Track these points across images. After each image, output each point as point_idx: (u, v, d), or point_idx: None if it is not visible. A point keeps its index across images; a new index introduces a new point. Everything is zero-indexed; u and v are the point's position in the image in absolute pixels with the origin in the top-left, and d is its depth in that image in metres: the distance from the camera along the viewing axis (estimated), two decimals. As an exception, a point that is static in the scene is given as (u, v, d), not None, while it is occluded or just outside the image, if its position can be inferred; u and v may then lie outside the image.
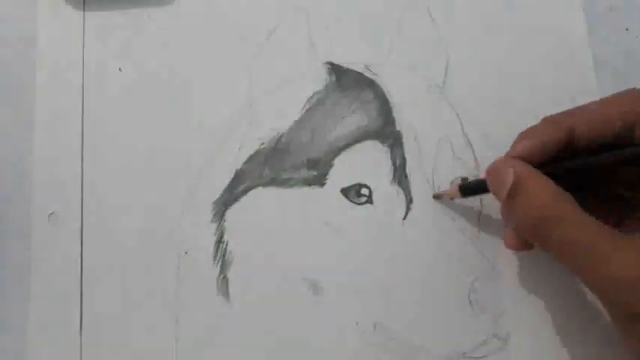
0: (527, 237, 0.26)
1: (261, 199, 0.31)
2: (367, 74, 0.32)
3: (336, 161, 0.31)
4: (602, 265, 0.22)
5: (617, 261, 0.22)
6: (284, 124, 0.32)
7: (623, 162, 0.25)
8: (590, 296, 0.29)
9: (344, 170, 0.31)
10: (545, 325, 0.29)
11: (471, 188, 0.29)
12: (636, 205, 0.27)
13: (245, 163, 0.31)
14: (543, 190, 0.24)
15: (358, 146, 0.31)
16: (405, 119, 0.31)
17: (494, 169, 0.26)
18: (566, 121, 0.25)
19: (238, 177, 0.31)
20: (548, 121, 0.26)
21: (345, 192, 0.31)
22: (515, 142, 0.26)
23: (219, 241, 0.30)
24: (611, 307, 0.24)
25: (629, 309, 0.23)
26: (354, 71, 0.32)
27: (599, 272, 0.23)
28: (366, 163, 0.31)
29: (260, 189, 0.31)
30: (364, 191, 0.31)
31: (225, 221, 0.31)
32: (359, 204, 0.31)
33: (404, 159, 0.31)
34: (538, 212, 0.24)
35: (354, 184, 0.31)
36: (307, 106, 0.32)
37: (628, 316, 0.23)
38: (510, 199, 0.25)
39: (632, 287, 0.22)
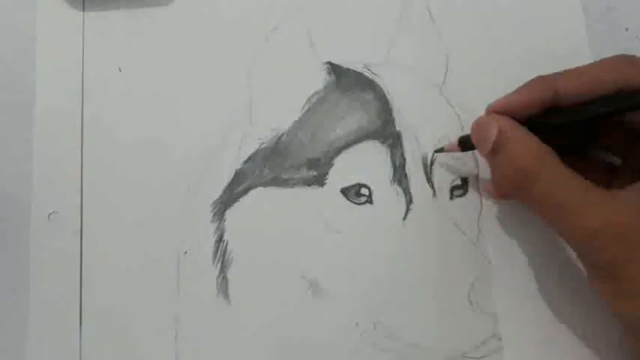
0: (510, 191, 0.27)
1: (261, 199, 0.31)
2: (367, 74, 0.32)
3: (336, 161, 0.31)
4: (579, 216, 0.23)
5: (593, 213, 0.23)
6: (284, 124, 0.32)
7: (607, 114, 0.25)
8: (590, 296, 0.29)
9: (344, 170, 0.31)
10: (545, 325, 0.29)
11: (470, 142, 0.28)
12: (622, 170, 0.27)
13: (245, 163, 0.31)
14: (525, 145, 0.25)
15: (358, 146, 0.31)
16: (404, 119, 0.31)
17: (478, 125, 0.27)
18: (553, 81, 0.26)
19: (238, 177, 0.31)
20: (535, 80, 0.26)
21: (344, 192, 0.31)
22: (501, 98, 0.27)
23: (219, 241, 0.30)
24: (586, 260, 0.25)
25: (603, 260, 0.23)
26: (354, 71, 0.32)
27: (576, 224, 0.23)
28: (366, 163, 0.31)
29: (260, 189, 0.31)
30: (364, 191, 0.31)
31: (225, 221, 0.31)
32: (359, 204, 0.31)
33: (404, 159, 0.31)
34: (519, 166, 0.24)
35: (354, 184, 0.31)
36: (307, 106, 0.32)
37: (603, 268, 0.23)
38: (494, 154, 0.25)
39: (607, 238, 0.22)
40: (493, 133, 0.25)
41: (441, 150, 0.30)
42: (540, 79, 0.26)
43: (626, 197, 0.23)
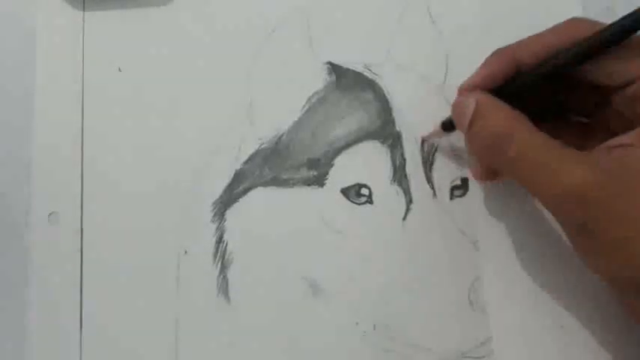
0: (487, 160, 0.28)
1: (261, 199, 0.31)
2: (367, 74, 0.32)
3: (336, 161, 0.31)
4: (552, 176, 0.24)
5: (567, 173, 0.23)
6: (284, 124, 0.32)
7: (561, 67, 0.26)
8: (591, 297, 0.29)
9: (344, 170, 0.31)
10: (544, 324, 0.29)
11: (451, 123, 0.29)
12: (594, 131, 0.28)
13: (245, 163, 0.31)
14: (498, 112, 0.26)
15: (358, 146, 0.31)
16: (405, 119, 0.31)
17: (457, 102, 0.28)
18: (511, 51, 0.27)
19: (238, 177, 0.31)
20: (495, 53, 0.28)
21: (345, 192, 0.31)
22: (467, 78, 0.28)
23: (219, 241, 0.30)
24: (562, 221, 0.25)
25: (577, 219, 0.24)
26: (354, 71, 0.32)
27: (550, 185, 0.24)
28: (366, 163, 0.31)
29: (260, 189, 0.31)
30: (364, 191, 0.31)
31: (225, 221, 0.31)
32: (359, 204, 0.31)
33: (404, 159, 0.31)
34: (494, 132, 0.25)
35: (354, 184, 0.31)
36: (307, 106, 0.32)
37: (578, 227, 0.24)
38: (471, 127, 0.26)
39: (580, 198, 0.23)
40: (472, 107, 0.26)
41: (427, 137, 0.31)
42: (499, 52, 0.27)
43: (595, 156, 0.24)
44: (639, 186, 0.23)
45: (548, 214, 0.29)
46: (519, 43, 0.27)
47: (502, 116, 0.26)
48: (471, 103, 0.26)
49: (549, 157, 0.24)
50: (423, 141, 0.31)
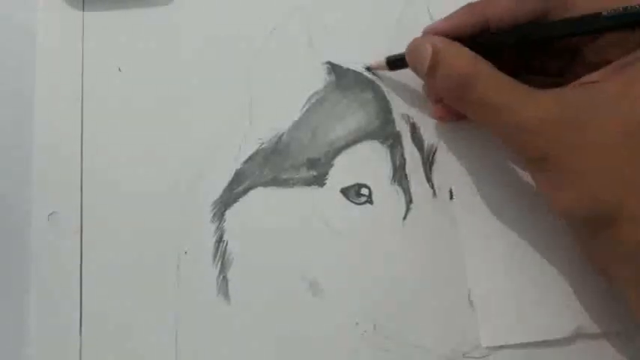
0: (450, 102, 0.28)
1: (261, 199, 0.31)
2: (367, 74, 0.32)
3: (336, 161, 0.31)
4: (513, 113, 0.24)
5: (526, 108, 0.24)
6: (284, 124, 0.32)
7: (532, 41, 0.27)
8: (591, 298, 0.29)
9: (344, 170, 0.31)
10: (543, 323, 0.29)
11: (398, 61, 0.30)
12: (567, 75, 0.28)
13: (245, 163, 0.31)
14: (459, 55, 0.26)
15: (358, 146, 0.31)
16: (404, 119, 0.31)
17: (412, 47, 0.28)
18: (481, 7, 0.27)
19: (238, 177, 0.31)
20: (465, 7, 0.28)
21: (344, 192, 0.31)
22: (433, 23, 0.28)
23: (219, 241, 0.30)
24: (523, 156, 0.26)
25: (539, 152, 0.24)
26: (353, 71, 0.32)
27: (510, 121, 0.24)
28: (366, 163, 0.31)
29: (260, 189, 0.31)
30: (364, 191, 0.31)
31: (225, 221, 0.31)
32: (359, 204, 0.31)
33: (404, 159, 0.31)
34: (456, 74, 0.26)
35: (354, 184, 0.31)
36: (307, 106, 0.32)
37: (540, 161, 0.25)
38: (431, 71, 0.27)
39: (541, 130, 0.24)
40: (428, 52, 0.27)
41: (368, 69, 0.31)
42: (470, 5, 0.28)
43: (560, 92, 0.25)
44: (600, 118, 0.23)
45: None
46: (490, 0, 0.28)
47: (464, 59, 0.26)
48: (427, 48, 0.27)
49: (510, 95, 0.25)
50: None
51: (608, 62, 0.25)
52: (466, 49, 0.26)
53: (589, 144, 0.23)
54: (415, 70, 0.28)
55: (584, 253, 0.27)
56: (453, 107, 0.28)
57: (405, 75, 0.30)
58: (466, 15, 0.27)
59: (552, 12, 0.26)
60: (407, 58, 0.29)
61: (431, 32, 0.28)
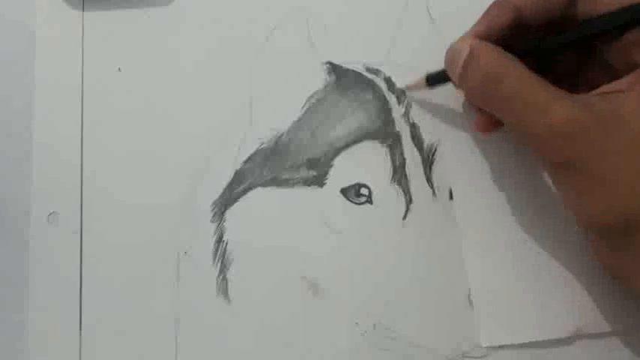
0: (479, 102, 0.28)
1: (261, 199, 0.31)
2: (367, 74, 0.32)
3: (336, 161, 0.31)
4: (542, 114, 0.24)
5: (555, 110, 0.24)
6: (284, 124, 0.32)
7: (567, 44, 0.27)
8: (591, 298, 0.29)
9: (343, 170, 0.31)
10: (542, 323, 0.29)
11: (437, 77, 0.30)
12: (581, 85, 0.28)
13: (245, 163, 0.31)
14: (490, 53, 0.26)
15: (358, 146, 0.31)
16: (404, 119, 0.31)
17: (451, 49, 0.28)
18: (512, 1, 0.27)
19: (238, 177, 0.31)
20: (495, 4, 0.28)
21: (344, 192, 0.31)
22: (468, 30, 0.28)
23: (219, 241, 0.30)
24: (550, 158, 0.25)
25: (565, 156, 0.24)
26: (353, 71, 0.32)
27: (539, 122, 0.24)
28: (366, 163, 0.31)
29: (260, 189, 0.31)
30: (364, 191, 0.31)
31: (225, 221, 0.31)
32: (358, 204, 0.31)
33: (403, 159, 0.31)
34: (486, 72, 0.26)
35: (354, 184, 0.31)
36: (307, 106, 0.32)
37: (565, 164, 0.24)
38: (464, 70, 0.27)
39: (569, 134, 0.24)
40: (465, 51, 0.27)
41: (411, 88, 0.31)
42: (499, 4, 0.28)
43: (587, 98, 0.25)
44: (629, 127, 0.23)
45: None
46: None
47: (494, 57, 0.26)
48: (464, 49, 0.27)
49: (541, 96, 0.24)
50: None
51: (630, 63, 0.25)
52: (497, 48, 0.26)
53: (617, 151, 0.23)
54: (450, 73, 0.28)
55: (604, 261, 0.27)
56: (489, 113, 0.28)
57: (406, 75, 0.30)
58: (498, 12, 0.27)
59: (579, 2, 0.26)
60: (445, 60, 0.28)
61: (468, 35, 0.28)
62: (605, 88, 0.25)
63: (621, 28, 0.26)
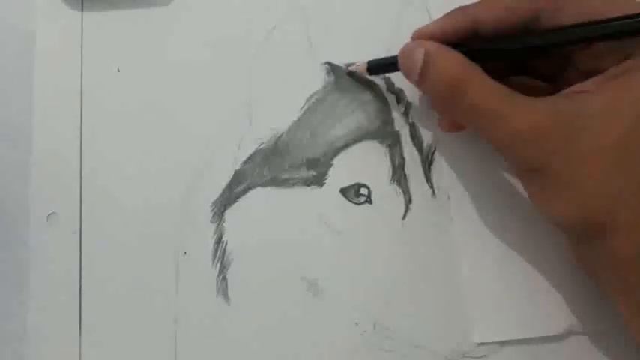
0: (442, 109, 0.28)
1: (261, 200, 0.31)
2: (366, 74, 0.32)
3: (335, 161, 0.31)
4: (505, 121, 0.24)
5: (518, 117, 0.24)
6: (283, 124, 0.32)
7: (528, 50, 0.27)
8: (583, 297, 0.29)
9: (343, 170, 0.31)
10: (535, 321, 0.29)
11: (378, 67, 0.30)
12: (560, 80, 0.28)
13: (244, 163, 0.31)
14: (451, 60, 0.26)
15: (357, 146, 0.31)
16: (403, 119, 0.31)
17: (405, 51, 0.28)
18: (471, 10, 0.27)
19: (238, 177, 0.31)
20: (457, 10, 0.28)
21: (344, 192, 0.31)
22: (422, 26, 0.28)
23: (219, 241, 0.30)
24: (515, 164, 0.26)
25: (530, 162, 0.24)
26: (353, 71, 0.32)
27: (502, 129, 0.24)
28: (365, 163, 0.31)
29: (259, 189, 0.31)
30: (363, 191, 0.31)
31: (224, 221, 0.31)
32: (358, 204, 0.31)
33: (403, 159, 0.31)
34: (448, 80, 0.25)
35: (353, 184, 0.31)
36: (306, 106, 0.32)
37: (531, 170, 0.25)
38: (423, 77, 0.26)
39: (533, 139, 0.24)
40: (420, 56, 0.26)
41: (350, 73, 0.32)
42: (460, 9, 0.27)
43: (552, 101, 0.24)
44: (591, 129, 0.23)
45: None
46: (481, 3, 0.27)
47: (455, 64, 0.26)
48: (419, 52, 0.26)
49: (503, 103, 0.24)
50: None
51: (601, 70, 0.25)
52: (458, 54, 0.26)
53: (580, 154, 0.23)
54: (407, 76, 0.28)
55: (575, 259, 0.27)
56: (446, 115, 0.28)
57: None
58: (458, 18, 0.27)
59: (542, 17, 0.26)
60: (399, 61, 0.28)
61: (422, 36, 0.28)
62: (574, 87, 0.25)
63: (587, 42, 0.25)
